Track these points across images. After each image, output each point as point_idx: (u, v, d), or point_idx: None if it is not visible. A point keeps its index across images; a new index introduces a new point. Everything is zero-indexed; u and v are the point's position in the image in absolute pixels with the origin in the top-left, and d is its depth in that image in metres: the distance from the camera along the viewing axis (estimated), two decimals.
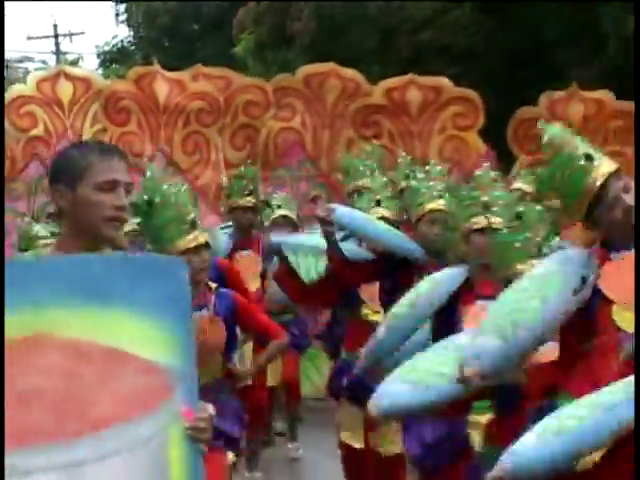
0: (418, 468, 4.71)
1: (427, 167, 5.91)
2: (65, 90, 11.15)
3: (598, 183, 3.35)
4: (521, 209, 4.43)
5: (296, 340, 6.76)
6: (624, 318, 3.43)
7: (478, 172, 4.82)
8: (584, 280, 3.43)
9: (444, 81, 11.55)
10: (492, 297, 3.81)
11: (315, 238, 5.75)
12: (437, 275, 4.39)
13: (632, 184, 3.39)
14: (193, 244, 4.39)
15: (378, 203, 5.49)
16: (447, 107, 11.44)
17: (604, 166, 3.39)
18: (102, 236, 2.73)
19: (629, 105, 11.14)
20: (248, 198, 7.03)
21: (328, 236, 5.23)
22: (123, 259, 2.58)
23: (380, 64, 15.98)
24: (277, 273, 6.12)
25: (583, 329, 3.46)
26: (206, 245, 4.45)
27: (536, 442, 3.07)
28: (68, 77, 11.33)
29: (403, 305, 4.27)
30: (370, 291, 5.56)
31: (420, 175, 5.61)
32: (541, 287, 3.44)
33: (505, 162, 10.58)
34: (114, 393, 2.33)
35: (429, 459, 4.45)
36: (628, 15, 15.42)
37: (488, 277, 4.29)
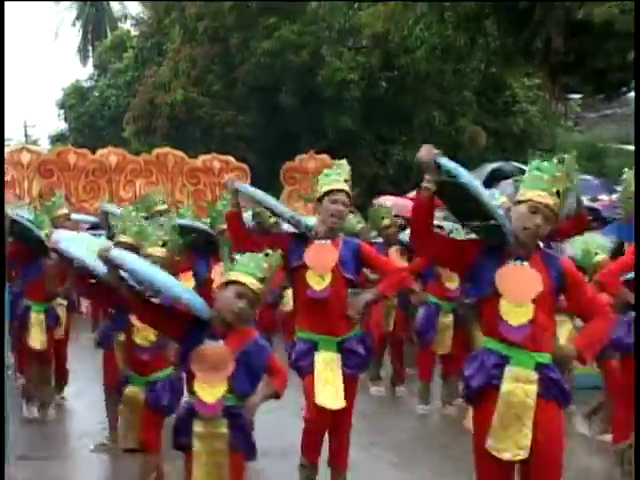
0: None
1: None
2: (25, 158, 15.57)
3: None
4: None
5: None
6: None
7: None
8: None
9: (231, 158, 17.16)
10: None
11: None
12: None
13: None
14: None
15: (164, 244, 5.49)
16: (232, 171, 16.40)
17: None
18: None
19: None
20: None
21: None
22: None
23: (204, 145, 20.17)
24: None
25: None
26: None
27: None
28: (28, 150, 15.98)
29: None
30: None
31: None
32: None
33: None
34: None
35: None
36: (340, 115, 20.56)
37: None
